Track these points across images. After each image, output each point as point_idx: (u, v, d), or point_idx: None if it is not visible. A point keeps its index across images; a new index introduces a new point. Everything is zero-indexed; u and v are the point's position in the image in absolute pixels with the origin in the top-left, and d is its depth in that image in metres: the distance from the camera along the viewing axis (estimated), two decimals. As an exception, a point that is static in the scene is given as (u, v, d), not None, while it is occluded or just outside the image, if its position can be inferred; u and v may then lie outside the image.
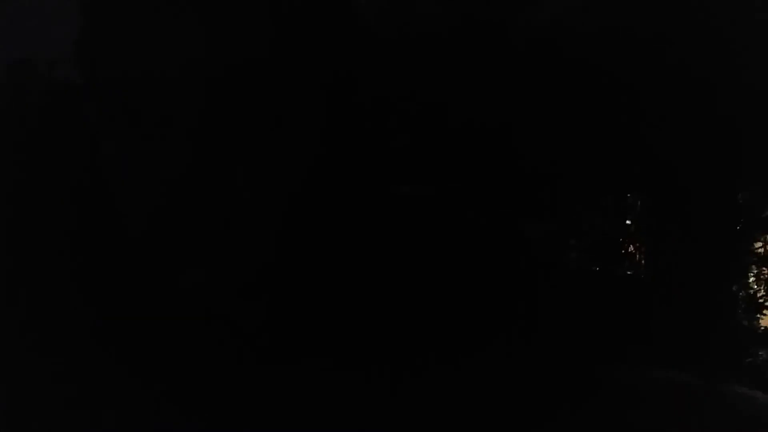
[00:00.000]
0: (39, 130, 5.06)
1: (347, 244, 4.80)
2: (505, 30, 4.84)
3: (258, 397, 4.48)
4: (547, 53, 4.89)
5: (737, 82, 5.11)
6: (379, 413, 4.44)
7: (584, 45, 4.91)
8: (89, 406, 4.45)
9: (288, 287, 4.79)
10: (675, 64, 5.04)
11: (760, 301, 5.56)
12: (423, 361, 4.69)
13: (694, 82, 5.06)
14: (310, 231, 4.79)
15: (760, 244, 5.54)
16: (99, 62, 4.85)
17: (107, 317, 4.72)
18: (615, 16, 5.06)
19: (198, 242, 4.76)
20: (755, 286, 5.60)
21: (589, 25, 4.98)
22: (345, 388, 4.50)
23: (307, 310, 4.76)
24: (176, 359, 4.59)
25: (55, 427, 4.42)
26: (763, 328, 5.61)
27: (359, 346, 4.67)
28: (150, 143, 4.76)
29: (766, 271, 5.56)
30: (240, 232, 4.70)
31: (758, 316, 5.61)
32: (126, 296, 4.76)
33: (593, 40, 4.96)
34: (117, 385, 4.48)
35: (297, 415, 4.40)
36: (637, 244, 5.55)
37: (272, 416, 4.40)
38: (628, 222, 5.62)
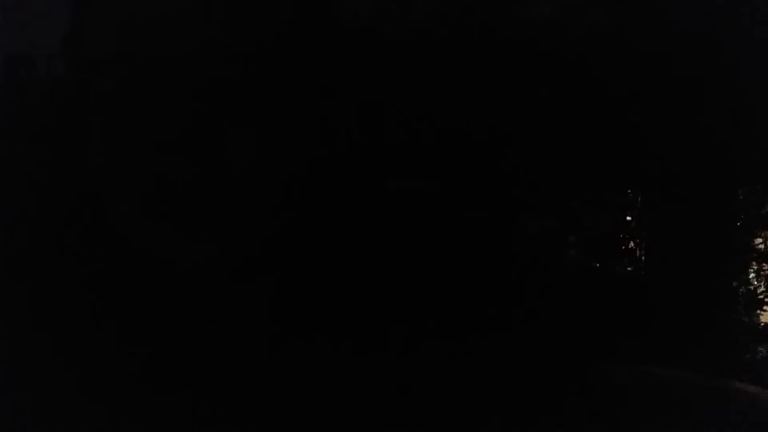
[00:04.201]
0: (34, 124, 5.03)
1: (346, 241, 4.80)
2: (505, 26, 4.82)
3: (261, 387, 4.46)
4: (546, 50, 4.87)
5: (738, 77, 5.10)
6: (375, 408, 4.44)
7: (584, 42, 4.89)
8: (88, 400, 4.45)
9: (286, 285, 4.80)
10: (675, 60, 5.03)
11: (760, 297, 5.55)
12: (419, 357, 4.69)
13: (695, 78, 5.05)
14: (307, 228, 4.79)
15: (760, 240, 5.54)
16: (92, 54, 4.81)
17: (104, 306, 4.71)
18: (614, 13, 5.04)
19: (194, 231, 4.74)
20: (755, 283, 5.60)
21: (587, 22, 4.96)
22: (339, 381, 4.49)
23: (306, 306, 4.77)
24: (175, 343, 4.57)
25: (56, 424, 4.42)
26: (762, 324, 5.61)
27: (354, 344, 4.66)
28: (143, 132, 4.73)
29: (766, 268, 5.55)
30: (234, 229, 4.69)
31: (758, 312, 5.62)
32: (125, 285, 4.74)
33: (592, 36, 4.94)
34: (116, 373, 4.47)
35: (297, 408, 4.40)
36: (638, 240, 5.54)
37: (273, 408, 4.40)
38: (628, 218, 5.60)
